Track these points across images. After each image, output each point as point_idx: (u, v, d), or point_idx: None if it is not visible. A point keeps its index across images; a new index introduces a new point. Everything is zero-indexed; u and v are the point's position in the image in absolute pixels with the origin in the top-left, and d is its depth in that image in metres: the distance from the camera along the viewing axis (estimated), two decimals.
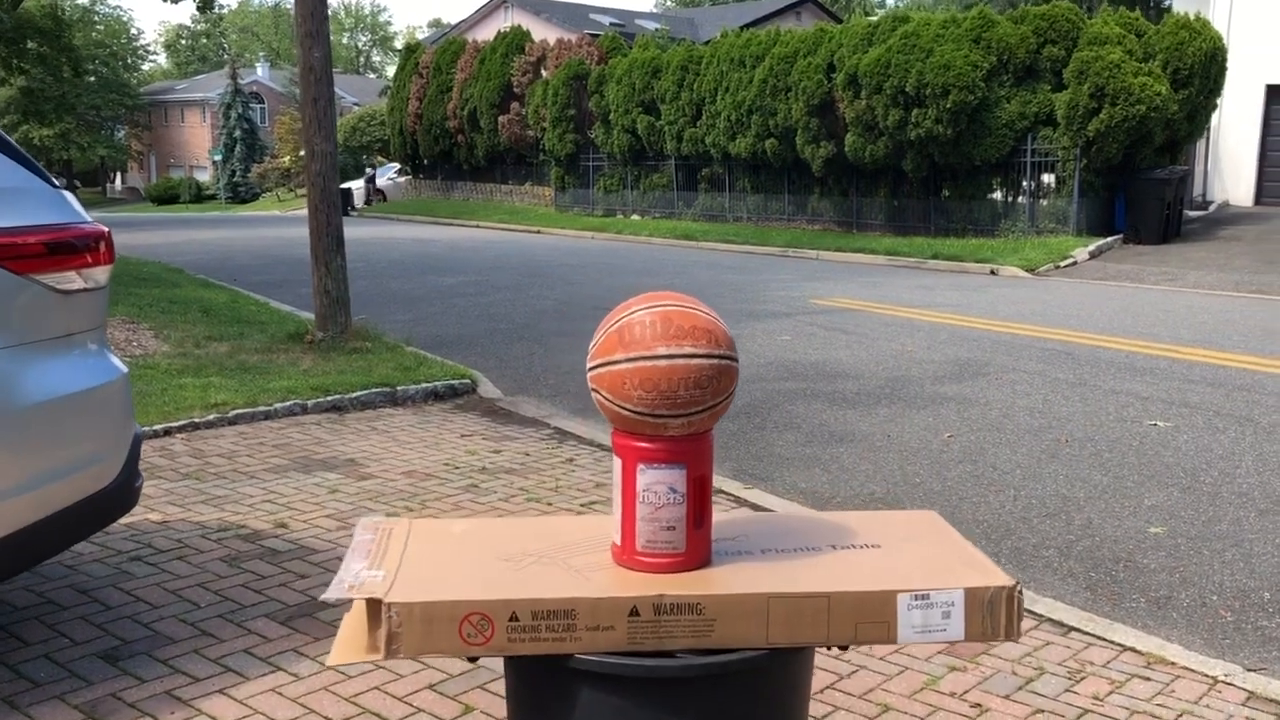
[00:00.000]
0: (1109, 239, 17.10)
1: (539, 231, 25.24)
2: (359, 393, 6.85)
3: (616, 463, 1.77)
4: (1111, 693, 3.23)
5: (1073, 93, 16.94)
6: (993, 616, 1.71)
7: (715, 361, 1.69)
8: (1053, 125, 17.44)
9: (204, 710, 2.97)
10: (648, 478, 1.73)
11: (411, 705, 3.03)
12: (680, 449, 1.72)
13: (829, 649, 1.74)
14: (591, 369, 1.74)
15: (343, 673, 3.20)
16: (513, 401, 7.16)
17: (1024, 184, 18.43)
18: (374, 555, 1.82)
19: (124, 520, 4.45)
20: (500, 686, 3.14)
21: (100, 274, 3.16)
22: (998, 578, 1.73)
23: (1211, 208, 20.90)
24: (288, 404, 6.50)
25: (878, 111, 18.25)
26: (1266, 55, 20.50)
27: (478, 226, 27.27)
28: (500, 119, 29.99)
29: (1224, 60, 17.92)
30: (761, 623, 1.66)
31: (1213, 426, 6.39)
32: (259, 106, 61.00)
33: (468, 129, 31.68)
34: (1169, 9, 22.31)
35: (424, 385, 7.17)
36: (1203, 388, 7.42)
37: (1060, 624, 3.72)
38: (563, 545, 1.87)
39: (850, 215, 20.80)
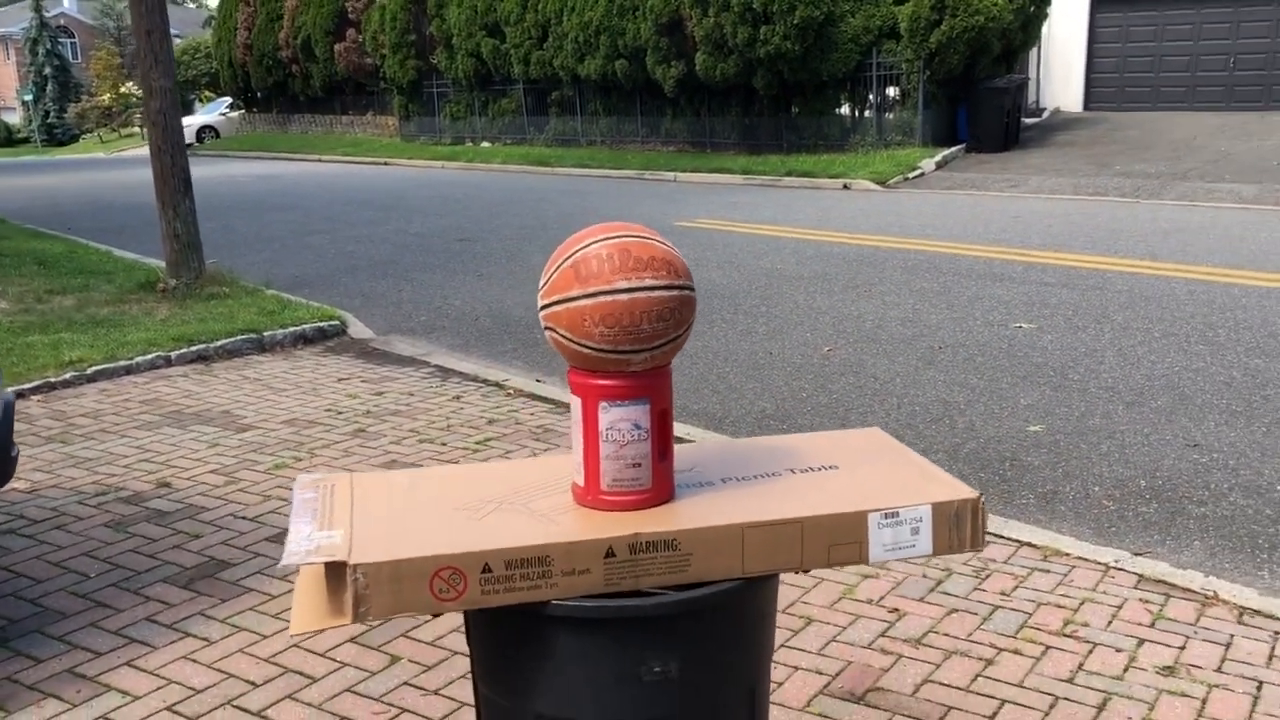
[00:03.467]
0: (953, 149, 17.61)
1: (386, 163, 24.50)
2: (224, 341, 6.55)
3: (575, 401, 1.71)
4: (1017, 587, 3.37)
5: (915, 5, 17.24)
6: (959, 529, 1.73)
7: (676, 293, 1.63)
8: (896, 38, 17.74)
9: (113, 685, 2.81)
10: (611, 415, 1.68)
11: (335, 660, 2.94)
12: (643, 384, 1.67)
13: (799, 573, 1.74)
14: (545, 307, 1.66)
15: (257, 632, 3.08)
16: (386, 341, 6.97)
17: (871, 98, 18.75)
18: (321, 515, 1.72)
19: None
20: (423, 633, 3.07)
21: None
22: (961, 490, 1.75)
23: (1045, 114, 21.69)
24: (150, 357, 6.17)
25: (727, 29, 18.21)
26: None
27: (320, 160, 26.30)
28: (336, 47, 28.82)
29: None
30: (737, 553, 1.64)
31: (1073, 326, 6.68)
32: (69, 41, 57.01)
33: (302, 59, 30.36)
34: None
35: (292, 329, 6.90)
36: (1058, 289, 7.75)
37: None
38: (519, 490, 1.81)
39: (704, 135, 20.82)
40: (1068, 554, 3.62)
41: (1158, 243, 9.64)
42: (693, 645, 1.63)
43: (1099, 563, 3.55)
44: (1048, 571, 3.49)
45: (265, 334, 6.74)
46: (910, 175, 16.06)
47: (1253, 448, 4.59)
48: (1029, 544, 3.70)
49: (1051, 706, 2.71)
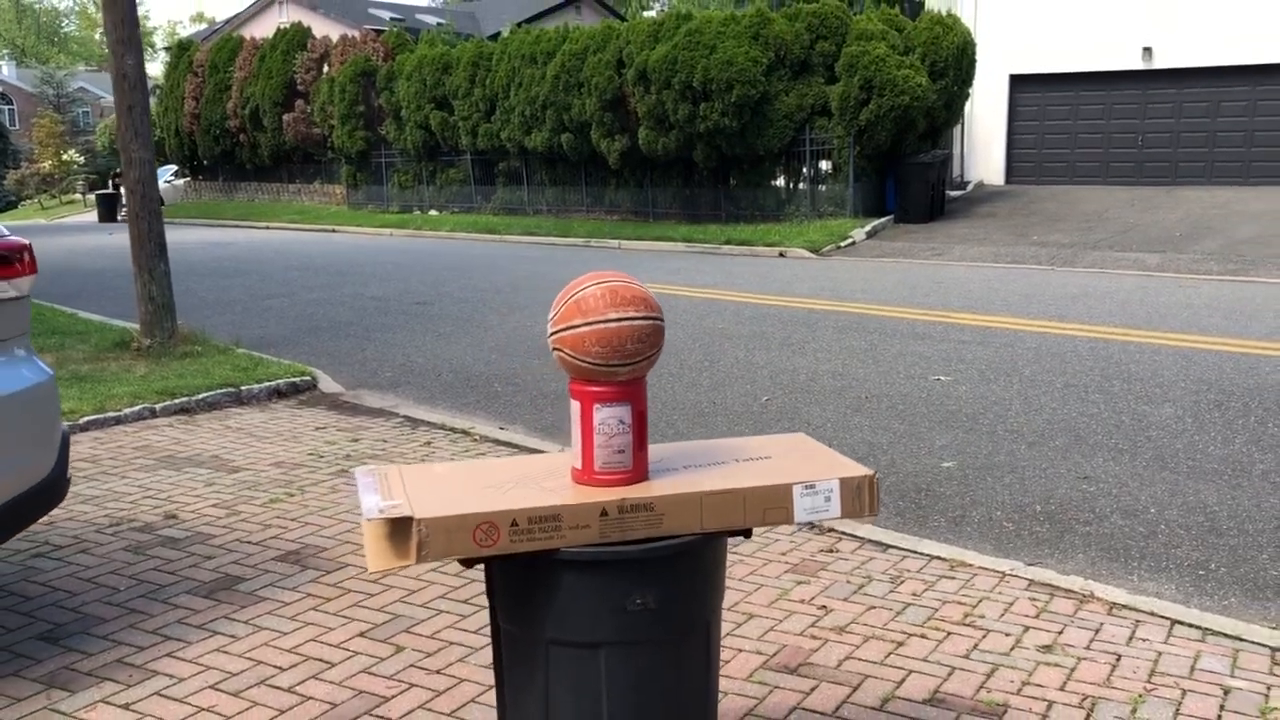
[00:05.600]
0: (882, 219, 18.59)
1: (334, 230, 24.98)
2: (205, 394, 7.00)
3: (575, 405, 2.28)
4: (926, 590, 3.97)
5: (844, 85, 18.30)
6: (859, 498, 2.32)
7: (652, 322, 2.22)
8: (828, 115, 18.76)
9: (159, 670, 3.28)
10: (602, 414, 2.25)
11: (349, 650, 3.43)
12: (627, 391, 2.25)
13: (743, 535, 2.31)
14: (554, 333, 2.24)
15: (278, 630, 3.57)
16: (356, 395, 7.46)
17: (804, 171, 19.75)
18: (383, 490, 2.26)
19: None
20: (423, 629, 3.58)
21: (25, 284, 3.41)
22: (861, 471, 2.34)
23: (969, 187, 22.88)
24: (136, 408, 6.61)
25: (668, 106, 19.12)
26: (1009, 48, 22.61)
27: (268, 228, 26.68)
28: (285, 117, 29.40)
29: (973, 53, 19.74)
30: (697, 514, 2.21)
31: (985, 378, 7.40)
32: (7, 108, 57.05)
33: (250, 128, 30.87)
34: (923, 6, 24.18)
35: (266, 384, 7.37)
36: (974, 346, 8.49)
37: (879, 543, 4.45)
38: (530, 475, 2.37)
39: (646, 205, 21.66)
40: (971, 565, 4.23)
41: (1066, 306, 10.49)
42: (665, 583, 2.19)
43: (997, 571, 4.16)
44: (953, 578, 4.09)
45: (242, 388, 7.20)
46: (842, 244, 16.95)
47: (1134, 479, 5.27)
48: (938, 557, 4.31)
49: (949, 674, 3.29)
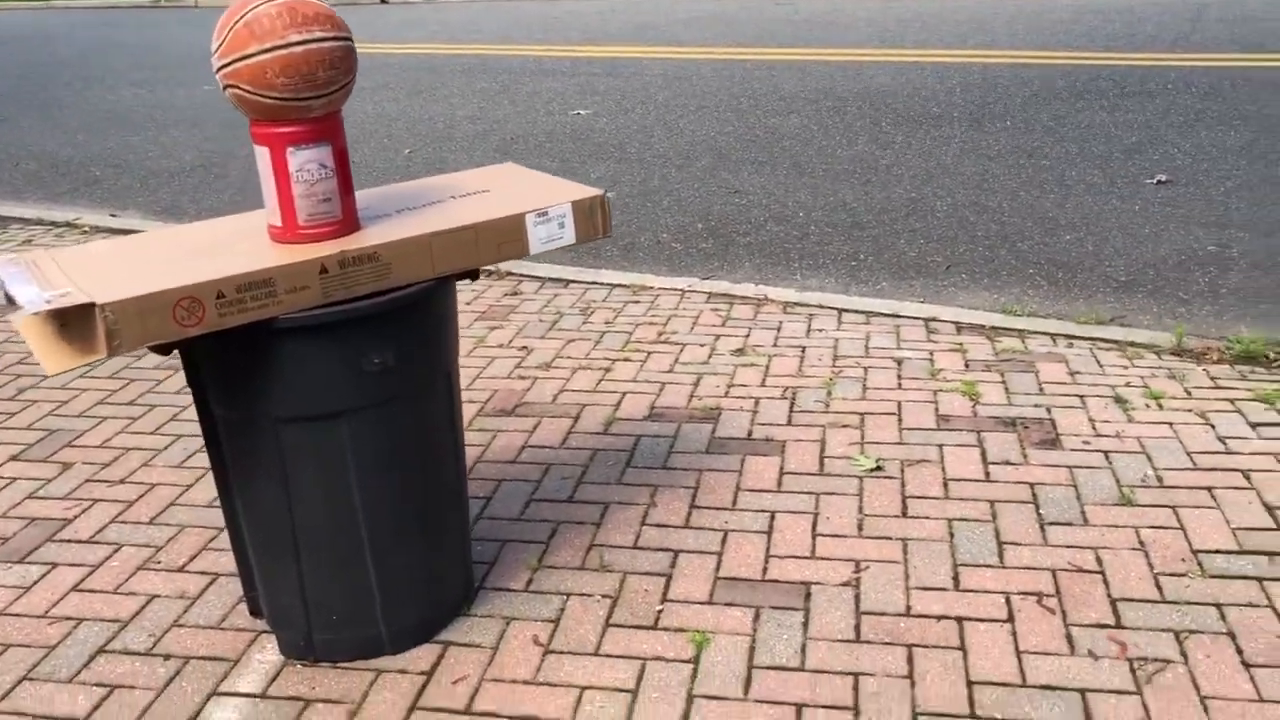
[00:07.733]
0: None
1: None
2: None
3: (262, 151, 1.95)
4: (616, 317, 4.00)
5: None
6: (593, 219, 2.20)
7: (344, 43, 1.90)
8: None
9: None
10: (299, 158, 1.94)
11: (3, 477, 2.97)
12: (324, 128, 1.94)
13: (469, 278, 2.13)
14: (225, 66, 1.86)
15: None
16: None
17: None
18: (39, 279, 1.86)
19: None
20: (91, 439, 3.16)
21: None
22: (591, 192, 2.21)
23: None
24: None
25: None
26: None
27: None
28: None
29: None
30: (428, 259, 2.00)
31: (623, 108, 7.40)
32: None
33: None
34: None
35: None
36: (605, 78, 8.44)
37: (560, 280, 4.42)
38: (217, 241, 2.03)
39: None
40: (651, 287, 4.30)
41: (681, 31, 10.63)
42: (404, 337, 1.99)
43: (676, 289, 4.26)
44: (638, 302, 4.15)
45: None
46: None
47: (779, 187, 5.54)
48: (620, 285, 4.34)
49: (660, 389, 3.36)
